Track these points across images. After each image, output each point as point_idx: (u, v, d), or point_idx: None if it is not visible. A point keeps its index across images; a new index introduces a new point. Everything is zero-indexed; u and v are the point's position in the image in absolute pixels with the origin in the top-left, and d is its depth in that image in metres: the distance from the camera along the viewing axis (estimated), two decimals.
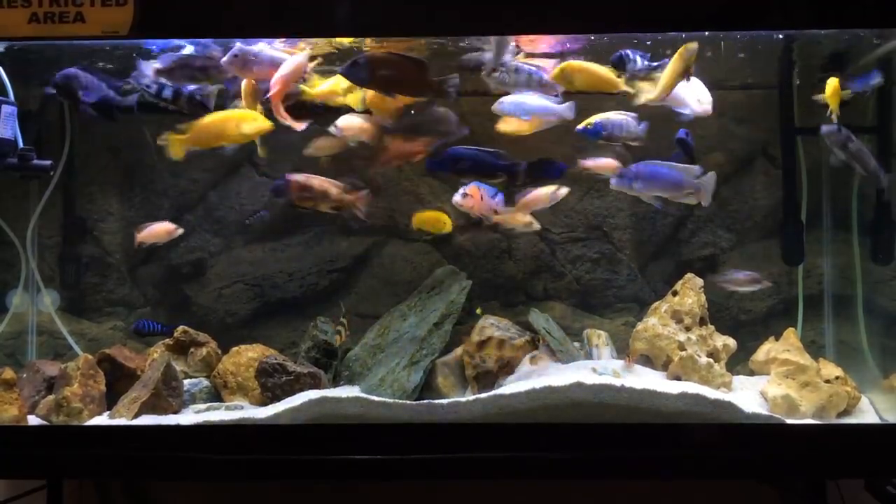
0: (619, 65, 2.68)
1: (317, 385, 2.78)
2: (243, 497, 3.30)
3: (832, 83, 2.70)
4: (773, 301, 3.22)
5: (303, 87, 2.80)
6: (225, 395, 2.91)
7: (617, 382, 2.57)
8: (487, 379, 2.81)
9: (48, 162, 2.91)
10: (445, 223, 3.05)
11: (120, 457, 2.56)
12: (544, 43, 2.76)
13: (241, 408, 2.78)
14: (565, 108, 2.78)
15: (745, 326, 3.20)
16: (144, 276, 3.35)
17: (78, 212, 3.31)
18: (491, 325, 2.94)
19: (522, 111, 2.80)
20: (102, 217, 3.32)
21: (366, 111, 2.86)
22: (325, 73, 2.85)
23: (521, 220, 2.95)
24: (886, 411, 2.70)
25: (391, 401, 2.63)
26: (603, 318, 3.26)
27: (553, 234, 3.28)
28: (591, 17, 2.52)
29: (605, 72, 2.72)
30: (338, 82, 2.83)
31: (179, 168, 3.23)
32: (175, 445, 2.57)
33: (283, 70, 2.67)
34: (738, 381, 2.87)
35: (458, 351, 2.89)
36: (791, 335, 2.83)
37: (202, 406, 2.81)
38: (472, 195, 2.81)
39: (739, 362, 2.98)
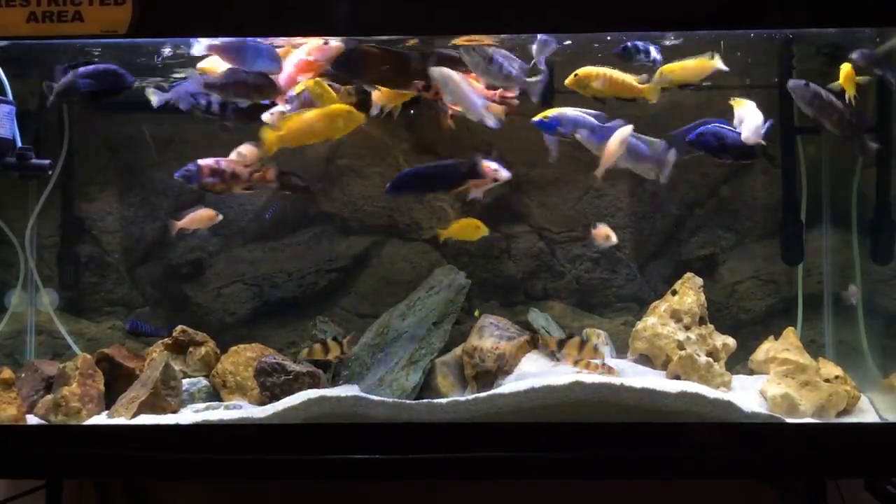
0: (626, 57, 2.66)
1: (316, 384, 2.78)
2: (243, 497, 3.30)
3: (846, 68, 2.67)
4: (772, 300, 3.22)
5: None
6: (224, 395, 2.91)
7: (616, 382, 2.57)
8: (486, 378, 2.80)
9: (47, 161, 2.90)
10: (480, 227, 2.96)
11: (118, 456, 2.56)
12: None
13: (240, 407, 2.78)
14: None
15: (745, 326, 3.20)
16: (143, 276, 3.34)
17: (77, 211, 3.31)
18: (490, 325, 2.94)
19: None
20: (101, 216, 3.31)
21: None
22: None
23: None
24: (886, 410, 2.70)
25: (390, 400, 2.63)
26: (602, 317, 3.25)
27: (552, 234, 3.28)
28: (591, 16, 2.52)
29: (623, 77, 2.68)
30: None
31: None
32: (174, 445, 2.57)
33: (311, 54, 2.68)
34: (738, 380, 2.87)
35: (458, 350, 2.89)
36: (790, 334, 2.83)
37: (201, 406, 2.81)
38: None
39: (739, 362, 2.98)
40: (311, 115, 2.70)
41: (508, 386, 2.63)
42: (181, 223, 3.00)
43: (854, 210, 3.08)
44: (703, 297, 2.92)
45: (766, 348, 2.88)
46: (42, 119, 3.18)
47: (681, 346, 2.78)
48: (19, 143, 2.83)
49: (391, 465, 2.53)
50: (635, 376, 2.71)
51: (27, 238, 3.17)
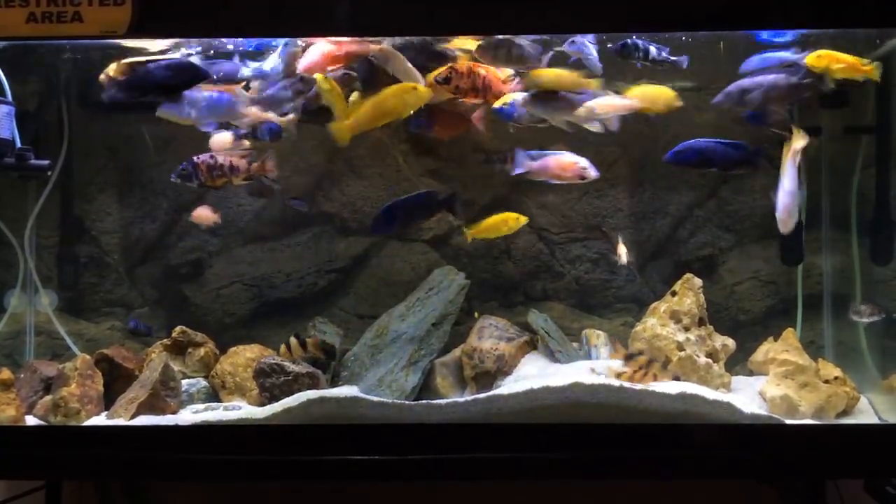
0: (625, 55, 2.67)
1: (315, 385, 2.77)
2: (242, 497, 3.30)
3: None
4: (772, 301, 3.22)
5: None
6: (223, 396, 2.91)
7: (615, 382, 2.57)
8: (486, 379, 2.80)
9: (46, 162, 2.90)
10: (519, 219, 2.95)
11: (118, 457, 2.55)
12: None
13: (240, 408, 2.77)
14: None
15: (744, 327, 3.20)
16: (142, 277, 3.34)
17: (76, 212, 3.30)
18: (489, 326, 2.94)
19: None
20: (100, 217, 3.31)
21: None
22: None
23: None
24: (885, 411, 2.70)
25: (390, 401, 2.63)
26: (602, 318, 3.25)
27: (552, 235, 3.28)
28: (590, 16, 2.52)
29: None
30: None
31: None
32: (173, 446, 2.56)
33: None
34: (737, 381, 2.87)
35: (457, 351, 2.89)
36: (790, 335, 2.83)
37: (200, 406, 2.81)
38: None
39: (738, 363, 2.98)
40: (380, 97, 2.68)
41: (508, 387, 2.64)
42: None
43: (853, 210, 3.08)
44: (702, 298, 2.91)
45: (766, 349, 2.88)
46: (41, 119, 3.18)
47: (680, 347, 2.78)
48: (19, 144, 2.83)
49: (390, 466, 2.52)
50: None
51: (26, 238, 3.16)
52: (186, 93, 2.68)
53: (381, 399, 2.64)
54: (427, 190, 2.88)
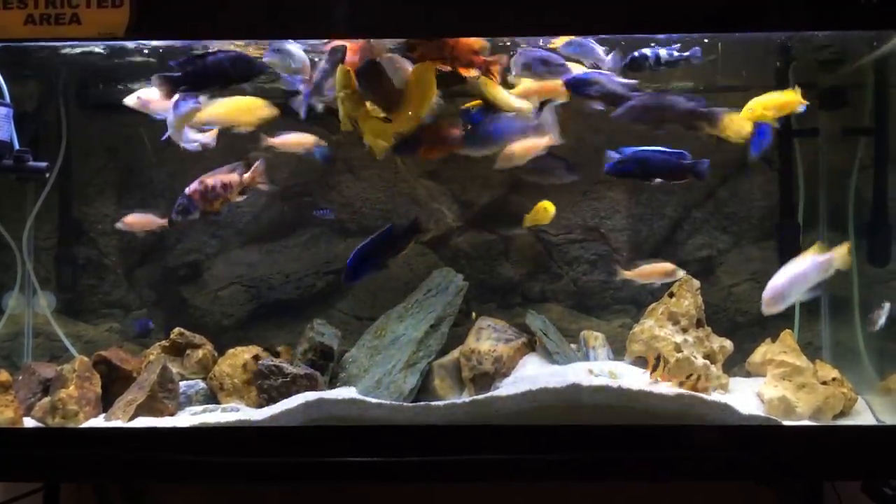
0: (635, 69, 2.68)
1: (313, 387, 2.77)
2: (241, 499, 3.29)
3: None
4: None
5: None
6: (221, 397, 2.90)
7: (613, 384, 2.57)
8: (484, 381, 2.80)
9: (44, 164, 2.90)
10: (548, 209, 3.01)
11: (116, 459, 2.55)
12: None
13: (238, 410, 2.77)
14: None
15: (742, 328, 3.20)
16: (141, 278, 3.34)
17: (74, 213, 3.30)
18: (488, 327, 2.94)
19: None
20: (99, 219, 3.31)
21: None
22: None
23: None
24: (883, 413, 2.71)
25: (388, 402, 2.63)
26: (600, 319, 3.25)
27: (550, 236, 3.28)
28: (589, 17, 2.51)
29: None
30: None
31: (176, 170, 3.22)
32: (172, 447, 2.56)
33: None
34: (735, 382, 2.87)
35: (455, 353, 2.89)
36: (788, 337, 2.84)
37: (198, 408, 2.81)
38: None
39: (736, 364, 2.98)
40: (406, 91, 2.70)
41: (506, 388, 2.64)
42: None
43: (851, 212, 3.08)
44: (700, 299, 2.92)
45: (764, 350, 2.88)
46: (40, 121, 3.18)
47: (678, 348, 2.78)
48: (17, 146, 2.83)
49: (389, 468, 2.52)
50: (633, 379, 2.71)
51: (25, 240, 3.16)
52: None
53: (380, 400, 2.64)
54: (387, 226, 2.88)
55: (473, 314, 3.10)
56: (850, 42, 2.86)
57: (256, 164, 2.84)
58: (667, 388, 2.59)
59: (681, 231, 3.27)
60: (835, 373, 2.74)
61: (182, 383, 2.88)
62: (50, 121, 3.21)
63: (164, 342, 3.01)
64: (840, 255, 2.63)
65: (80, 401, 2.70)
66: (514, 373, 2.80)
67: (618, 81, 2.67)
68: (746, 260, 3.24)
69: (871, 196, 2.97)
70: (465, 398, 2.68)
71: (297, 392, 2.73)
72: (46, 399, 2.75)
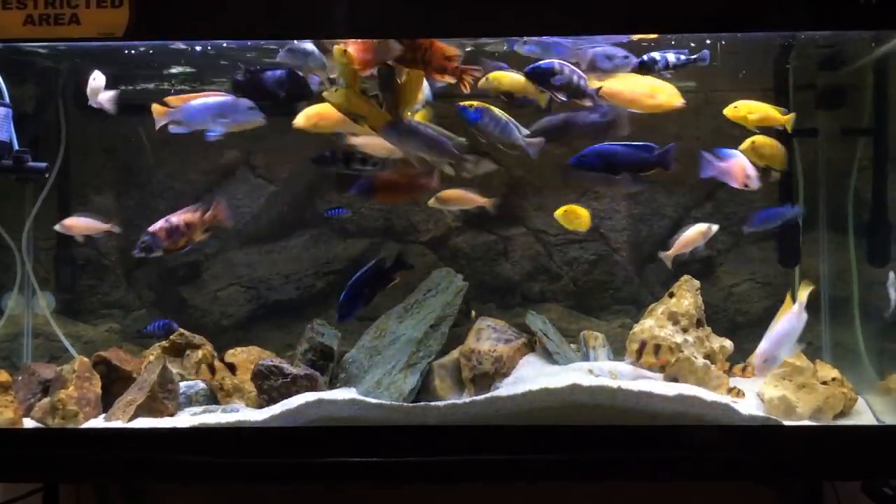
0: (645, 73, 2.69)
1: (313, 387, 2.77)
2: (241, 499, 3.29)
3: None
4: (769, 302, 3.22)
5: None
6: (221, 398, 2.90)
7: (613, 384, 2.57)
8: (484, 381, 2.80)
9: (44, 164, 2.90)
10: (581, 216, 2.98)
11: (116, 459, 2.55)
12: None
13: (238, 410, 2.77)
14: None
15: (742, 328, 3.20)
16: (140, 279, 3.34)
17: (74, 214, 3.30)
18: (487, 328, 2.94)
19: None
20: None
21: None
22: None
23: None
24: (883, 413, 2.70)
25: (388, 403, 2.63)
26: (600, 319, 3.26)
27: (549, 236, 3.28)
28: (588, 17, 2.51)
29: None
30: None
31: (176, 170, 3.22)
32: (171, 448, 2.56)
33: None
34: (735, 382, 2.86)
35: (455, 353, 2.89)
36: None
37: (198, 409, 2.80)
38: None
39: (736, 364, 2.98)
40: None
41: (506, 389, 2.64)
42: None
43: (850, 212, 3.09)
44: (700, 299, 2.92)
45: None
46: (40, 121, 3.18)
47: (678, 348, 2.78)
48: (16, 146, 2.83)
49: (388, 468, 2.52)
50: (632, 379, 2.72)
51: (24, 241, 3.16)
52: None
53: (380, 401, 2.63)
54: (373, 261, 2.88)
55: (473, 314, 3.10)
56: (850, 42, 2.87)
57: (216, 203, 2.84)
58: (667, 388, 2.59)
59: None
60: (835, 373, 2.74)
61: (182, 384, 2.88)
62: (49, 120, 3.20)
63: (163, 342, 3.01)
64: (804, 294, 2.63)
65: (80, 401, 2.70)
66: (514, 373, 2.80)
67: (581, 74, 2.66)
68: (746, 260, 3.25)
69: (871, 196, 2.98)
70: (465, 398, 2.68)
71: (298, 392, 2.73)
72: (46, 399, 2.75)
